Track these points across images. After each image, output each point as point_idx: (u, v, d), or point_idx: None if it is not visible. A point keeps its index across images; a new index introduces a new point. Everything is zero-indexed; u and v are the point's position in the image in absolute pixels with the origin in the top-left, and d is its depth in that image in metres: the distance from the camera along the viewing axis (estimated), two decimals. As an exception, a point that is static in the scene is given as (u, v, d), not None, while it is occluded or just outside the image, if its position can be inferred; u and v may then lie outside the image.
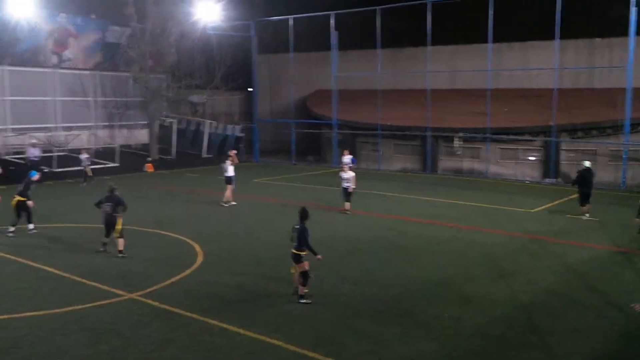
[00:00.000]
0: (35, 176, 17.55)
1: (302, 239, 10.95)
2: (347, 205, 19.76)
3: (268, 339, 9.41)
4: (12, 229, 16.48)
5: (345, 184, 19.81)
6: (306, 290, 11.05)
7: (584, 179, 19.44)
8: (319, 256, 11.06)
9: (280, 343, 9.27)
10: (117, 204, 14.32)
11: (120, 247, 14.22)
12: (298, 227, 11.12)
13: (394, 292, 11.78)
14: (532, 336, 9.67)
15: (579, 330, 9.89)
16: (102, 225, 14.53)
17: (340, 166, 23.16)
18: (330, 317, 10.43)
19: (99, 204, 14.56)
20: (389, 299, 11.39)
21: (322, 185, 26.80)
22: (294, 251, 11.04)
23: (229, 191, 21.53)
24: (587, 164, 19.97)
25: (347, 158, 24.84)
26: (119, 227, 14.24)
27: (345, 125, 34.61)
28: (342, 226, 18.00)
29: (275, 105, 43.70)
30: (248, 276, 12.88)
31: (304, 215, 11.29)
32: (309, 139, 38.62)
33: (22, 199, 16.58)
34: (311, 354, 8.88)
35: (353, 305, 11.06)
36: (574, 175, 27.57)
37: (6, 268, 13.48)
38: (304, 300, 10.92)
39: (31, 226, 16.84)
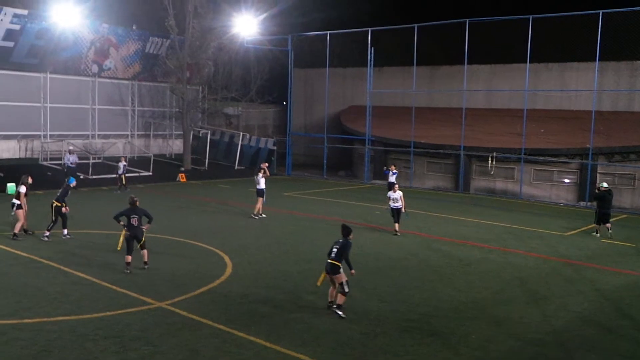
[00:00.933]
0: (73, 183, 17.96)
1: (344, 252, 11.23)
2: (397, 226, 19.20)
3: (294, 354, 9.38)
4: (47, 233, 16.83)
5: (393, 205, 19.25)
6: (344, 300, 11.20)
7: (604, 200, 19.81)
8: (352, 271, 11.29)
9: (306, 358, 9.23)
10: (143, 215, 14.05)
11: (145, 259, 14.05)
12: (342, 241, 11.42)
13: (423, 311, 11.65)
14: (564, 363, 9.45)
15: (613, 358, 9.63)
16: (125, 240, 13.92)
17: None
18: (358, 333, 10.35)
19: (119, 217, 13.97)
20: (418, 318, 11.27)
21: (352, 200, 26.74)
22: (332, 262, 11.22)
23: (259, 203, 21.64)
24: (605, 185, 20.45)
25: (392, 173, 25.66)
26: (143, 239, 14.08)
27: (378, 141, 34.55)
28: (372, 243, 17.91)
29: (309, 119, 43.90)
30: (276, 289, 12.88)
31: (347, 231, 11.60)
32: (341, 154, 38.66)
33: (59, 204, 16.95)
34: (337, 371, 8.82)
35: (381, 322, 10.96)
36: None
37: (40, 272, 13.74)
38: (340, 312, 11.04)
39: (65, 231, 17.16)
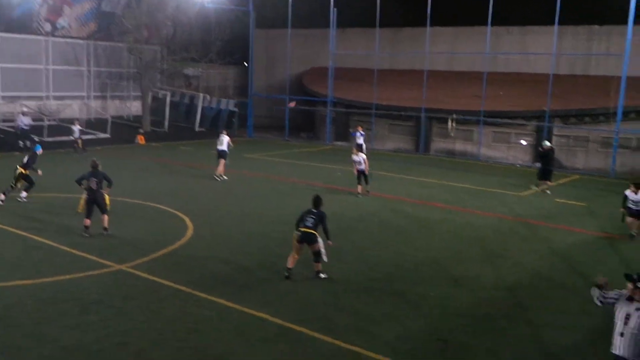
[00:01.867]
0: (39, 150, 17.57)
1: (322, 223, 11.18)
2: (360, 188, 19.35)
3: (256, 313, 9.48)
4: (2, 197, 16.43)
5: (358, 167, 19.35)
6: (320, 266, 11.25)
7: (548, 157, 21.14)
8: (330, 242, 11.29)
9: (267, 316, 9.35)
10: (103, 179, 13.76)
11: (105, 224, 13.70)
12: (316, 211, 11.31)
13: (384, 271, 11.87)
14: (518, 316, 9.80)
15: (563, 311, 10.04)
16: (85, 204, 13.62)
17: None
18: (320, 294, 10.51)
19: (80, 181, 13.81)
20: (379, 278, 11.49)
21: (314, 162, 26.79)
22: (309, 230, 11.04)
23: (221, 165, 21.51)
24: (548, 143, 21.82)
25: (360, 134, 25.94)
26: (107, 202, 13.81)
27: (340, 103, 34.50)
28: (333, 205, 18.02)
29: (271, 81, 43.45)
30: (238, 251, 12.93)
31: (319, 201, 11.52)
32: (303, 115, 38.49)
33: (25, 171, 16.54)
34: (299, 329, 8.97)
35: (343, 282, 11.14)
36: (564, 160, 27.79)
37: (-4, 235, 13.47)
38: (323, 275, 11.18)
39: (24, 194, 16.78)
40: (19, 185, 16.75)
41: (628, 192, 14.69)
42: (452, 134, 30.30)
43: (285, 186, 20.87)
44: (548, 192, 20.84)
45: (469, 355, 8.36)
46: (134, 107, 38.44)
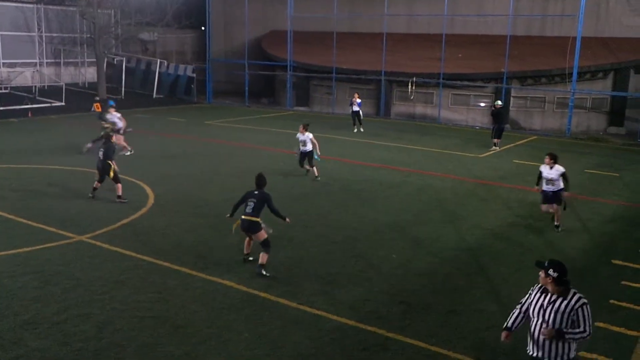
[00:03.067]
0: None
1: (267, 206, 9.97)
2: (315, 170, 16.87)
3: (220, 280, 9.51)
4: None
5: (302, 148, 16.90)
6: (267, 258, 9.87)
7: (500, 116, 22.33)
8: (288, 219, 10.28)
9: (232, 284, 9.39)
10: (109, 150, 14.10)
11: (119, 192, 13.97)
12: (257, 193, 10.03)
13: (346, 234, 11.99)
14: (477, 276, 10.06)
15: (520, 269, 10.35)
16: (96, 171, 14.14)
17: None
18: (282, 258, 10.58)
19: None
20: (341, 241, 11.61)
21: (275, 127, 26.65)
22: (250, 218, 9.86)
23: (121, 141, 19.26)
24: (500, 102, 22.98)
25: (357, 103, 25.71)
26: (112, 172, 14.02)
27: (300, 67, 34.22)
28: (295, 169, 18.04)
29: (229, 45, 42.75)
30: (200, 219, 12.87)
31: (262, 181, 10.23)
32: (263, 81, 38.11)
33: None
34: (263, 295, 9.04)
35: (306, 247, 11.23)
36: (522, 122, 28.26)
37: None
38: (265, 272, 9.71)
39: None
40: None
41: (542, 167, 12.55)
42: (412, 97, 30.45)
43: (246, 152, 20.75)
44: (498, 147, 22.17)
45: (430, 315, 8.57)
46: (89, 74, 37.48)
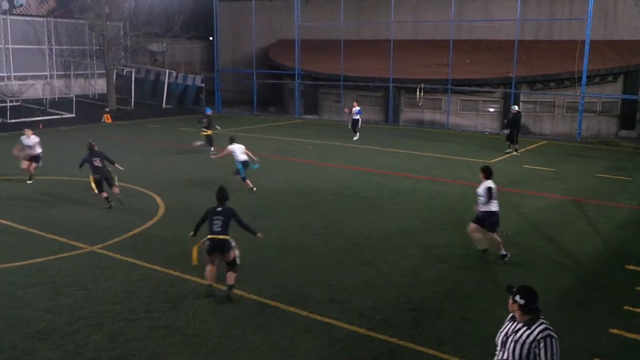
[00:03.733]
0: (209, 112, 21.89)
1: (238, 220, 9.26)
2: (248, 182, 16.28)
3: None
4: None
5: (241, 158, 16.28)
6: (236, 276, 9.21)
7: (519, 121, 22.63)
8: (259, 234, 9.45)
9: (242, 293, 9.39)
10: (105, 157, 14.62)
11: (117, 192, 14.66)
12: (222, 209, 9.21)
13: (355, 242, 11.97)
14: (488, 282, 10.00)
15: (531, 276, 10.26)
16: (96, 182, 14.32)
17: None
18: (292, 267, 10.57)
19: (82, 164, 14.58)
20: (350, 249, 11.59)
21: (284, 136, 26.70)
22: (221, 237, 9.04)
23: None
24: (516, 107, 23.26)
25: (355, 109, 25.57)
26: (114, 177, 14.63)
27: (307, 75, 34.31)
28: (303, 177, 18.08)
29: (237, 54, 42.97)
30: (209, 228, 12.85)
31: (224, 196, 9.43)
32: (271, 89, 38.23)
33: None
34: (274, 304, 9.03)
35: (315, 255, 11.22)
36: (532, 126, 28.13)
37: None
38: (233, 292, 9.15)
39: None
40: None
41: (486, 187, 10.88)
42: (421, 104, 30.43)
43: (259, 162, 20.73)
44: (516, 153, 22.27)
45: (442, 323, 8.53)
46: (99, 86, 37.76)
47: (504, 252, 10.87)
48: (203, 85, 37.74)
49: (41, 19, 34.75)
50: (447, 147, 24.02)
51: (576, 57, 26.39)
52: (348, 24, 34.44)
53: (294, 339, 7.98)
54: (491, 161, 21.01)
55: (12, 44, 33.35)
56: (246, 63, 39.91)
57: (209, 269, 9.24)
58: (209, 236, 9.09)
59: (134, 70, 37.18)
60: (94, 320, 8.43)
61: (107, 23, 33.97)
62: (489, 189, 10.82)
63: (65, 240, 11.87)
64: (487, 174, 10.99)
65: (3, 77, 33.06)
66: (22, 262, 10.65)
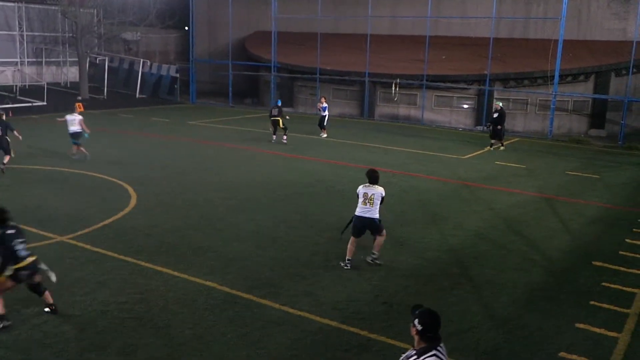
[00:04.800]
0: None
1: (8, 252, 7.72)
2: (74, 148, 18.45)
3: (203, 281, 9.46)
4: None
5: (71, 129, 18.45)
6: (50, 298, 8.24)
7: (503, 117, 22.76)
8: (53, 278, 8.19)
9: (215, 285, 9.34)
10: (8, 127, 16.45)
11: (5, 162, 16.30)
12: (10, 232, 7.83)
13: (330, 236, 11.98)
14: (460, 277, 10.10)
15: (503, 270, 10.40)
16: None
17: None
18: (266, 260, 10.55)
19: None
20: (324, 242, 11.60)
21: (259, 128, 26.59)
22: (28, 262, 7.87)
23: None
24: (500, 103, 23.33)
25: (322, 105, 24.73)
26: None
27: (284, 68, 34.19)
28: (279, 170, 18.04)
29: (213, 45, 42.62)
30: (182, 219, 12.79)
31: (5, 215, 7.91)
32: (247, 81, 38.02)
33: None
34: (246, 296, 9.00)
35: (289, 248, 11.20)
36: (505, 124, 28.44)
37: None
38: (50, 309, 8.20)
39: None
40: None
41: (360, 187, 10.44)
42: (396, 99, 30.54)
43: (230, 153, 20.69)
44: (502, 148, 22.71)
45: (413, 316, 8.57)
46: (71, 74, 37.15)
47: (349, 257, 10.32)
48: (178, 75, 37.37)
49: (12, 4, 34.02)
50: (422, 142, 24.17)
51: (549, 56, 26.73)
52: (325, 16, 34.37)
53: (265, 331, 7.97)
54: (464, 157, 21.23)
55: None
56: (222, 54, 39.60)
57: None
58: (17, 265, 7.72)
59: (107, 58, 36.67)
60: (63, 311, 8.32)
61: (81, 10, 33.40)
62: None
63: (33, 229, 11.65)
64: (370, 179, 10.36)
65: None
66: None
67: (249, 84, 38.33)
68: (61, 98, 32.13)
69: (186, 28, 40.84)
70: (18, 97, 30.63)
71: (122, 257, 10.43)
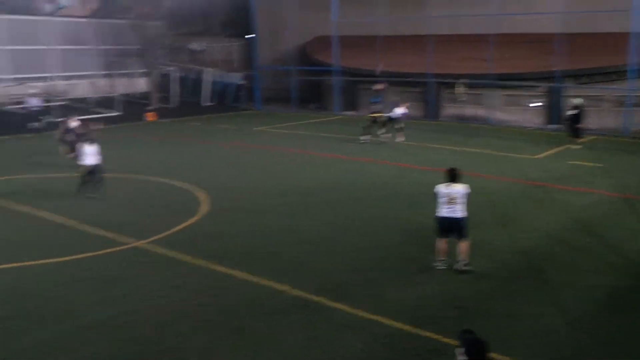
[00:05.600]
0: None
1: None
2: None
3: (274, 284, 9.55)
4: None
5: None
6: None
7: (581, 115, 22.02)
8: None
9: (285, 288, 9.42)
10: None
11: None
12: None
13: (398, 239, 11.88)
14: (534, 280, 9.80)
15: (578, 272, 10.03)
16: None
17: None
18: (336, 263, 10.56)
19: None
20: (392, 245, 11.51)
21: (324, 132, 26.70)
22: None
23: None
24: (579, 100, 22.63)
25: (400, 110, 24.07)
26: None
27: (346, 72, 34.21)
28: (343, 173, 18.04)
29: (276, 52, 43.07)
30: (252, 224, 12.98)
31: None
32: (309, 86, 38.25)
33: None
34: (316, 299, 9.03)
35: (358, 250, 11.17)
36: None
37: (7, 216, 13.58)
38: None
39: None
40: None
41: (441, 187, 10.38)
42: (462, 99, 30.02)
43: (300, 158, 20.85)
44: (578, 147, 21.98)
45: (488, 320, 8.38)
46: (141, 84, 38.33)
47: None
48: (243, 82, 38.01)
49: (84, 20, 35.45)
50: (490, 143, 23.65)
51: (622, 50, 25.64)
52: (385, 19, 34.17)
53: (336, 334, 7.96)
54: (535, 157, 20.63)
55: (57, 45, 34.13)
56: (284, 60, 39.99)
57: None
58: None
59: (174, 69, 37.66)
60: (141, 314, 8.57)
61: (148, 23, 34.48)
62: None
63: (110, 235, 12.09)
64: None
65: (49, 77, 33.87)
66: (70, 257, 10.89)
67: (311, 89, 38.53)
68: (133, 108, 33.26)
69: (249, 36, 41.49)
70: (94, 109, 31.88)
71: (195, 260, 10.66)
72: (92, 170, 15.08)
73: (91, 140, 15.42)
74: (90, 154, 15.12)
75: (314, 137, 25.52)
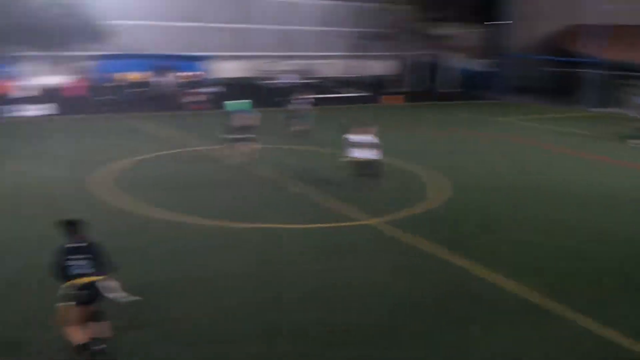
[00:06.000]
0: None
1: (104, 257, 6.55)
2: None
3: (501, 280, 8.88)
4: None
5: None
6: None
7: None
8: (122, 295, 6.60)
9: (515, 286, 8.68)
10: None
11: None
12: (84, 244, 6.52)
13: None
14: None
15: None
16: None
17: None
18: (589, 269, 9.62)
19: None
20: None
21: (576, 128, 24.53)
22: (93, 279, 6.45)
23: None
24: None
25: None
26: None
27: (610, 65, 30.78)
28: (602, 178, 16.33)
29: (525, 40, 40.51)
30: (491, 214, 12.37)
31: (77, 227, 6.61)
32: (559, 77, 35.45)
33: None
34: (550, 306, 8.19)
35: (600, 261, 10.01)
36: None
37: (253, 183, 14.53)
38: (101, 346, 6.54)
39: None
40: None
41: None
42: None
43: (559, 156, 19.50)
44: None
45: None
46: (379, 67, 38.89)
47: None
48: (488, 70, 36.66)
49: (334, 2, 36.91)
50: None
51: None
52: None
53: (571, 341, 7.18)
54: None
55: (309, 26, 36.16)
56: (533, 49, 37.49)
57: (76, 328, 6.54)
58: (76, 281, 6.45)
59: (419, 53, 37.61)
60: (362, 290, 8.56)
61: (397, 6, 34.78)
62: None
63: (346, 211, 12.19)
64: None
65: (301, 56, 36.00)
66: (304, 225, 11.26)
67: (561, 81, 35.64)
68: (370, 90, 34.11)
69: (494, 22, 39.68)
70: (342, 89, 33.43)
71: (425, 244, 10.37)
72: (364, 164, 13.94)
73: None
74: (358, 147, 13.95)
75: (565, 134, 23.54)
